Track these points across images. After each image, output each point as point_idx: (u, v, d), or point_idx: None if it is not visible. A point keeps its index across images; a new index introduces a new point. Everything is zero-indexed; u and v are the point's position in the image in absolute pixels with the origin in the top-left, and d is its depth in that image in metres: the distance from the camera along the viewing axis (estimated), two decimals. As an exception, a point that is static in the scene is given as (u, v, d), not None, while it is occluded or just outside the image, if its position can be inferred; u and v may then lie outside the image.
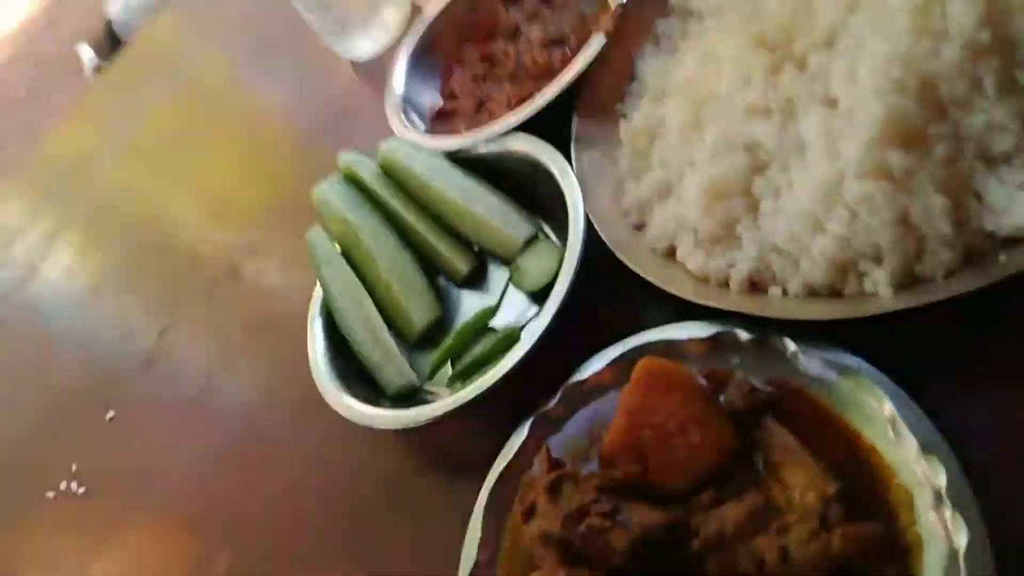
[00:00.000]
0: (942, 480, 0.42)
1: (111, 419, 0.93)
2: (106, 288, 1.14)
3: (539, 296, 0.67)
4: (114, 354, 1.02)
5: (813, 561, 0.42)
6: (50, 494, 0.90)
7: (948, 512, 0.41)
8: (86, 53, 2.96)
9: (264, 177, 1.09)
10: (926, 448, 0.43)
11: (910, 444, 0.44)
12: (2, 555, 0.90)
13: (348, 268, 0.73)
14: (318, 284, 0.74)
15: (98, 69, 2.95)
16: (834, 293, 0.51)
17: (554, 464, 0.53)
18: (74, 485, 0.90)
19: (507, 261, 0.70)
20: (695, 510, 0.48)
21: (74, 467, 0.91)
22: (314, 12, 0.98)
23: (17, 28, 4.08)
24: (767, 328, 0.52)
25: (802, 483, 0.45)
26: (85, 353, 1.07)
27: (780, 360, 0.51)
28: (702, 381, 0.51)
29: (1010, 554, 0.41)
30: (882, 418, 0.46)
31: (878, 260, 0.49)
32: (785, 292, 0.53)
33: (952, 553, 0.40)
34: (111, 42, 2.61)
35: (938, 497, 0.42)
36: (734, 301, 0.54)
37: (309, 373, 0.71)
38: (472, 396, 0.59)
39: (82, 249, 1.26)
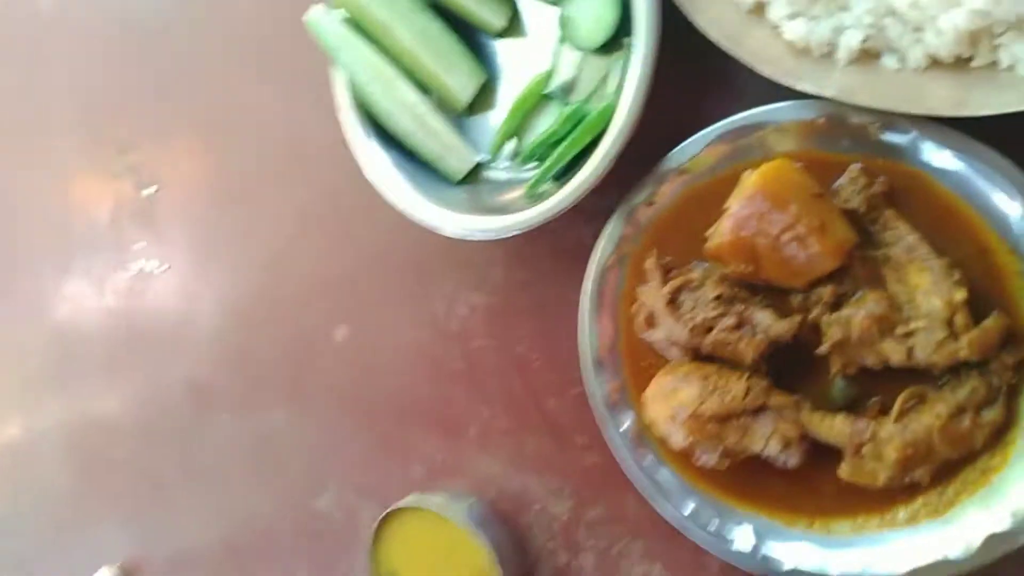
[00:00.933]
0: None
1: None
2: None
3: (598, 51, 0.60)
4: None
5: (939, 364, 0.47)
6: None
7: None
8: None
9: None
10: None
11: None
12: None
13: (367, 49, 0.63)
14: (336, 73, 0.65)
15: None
16: (959, 63, 0.47)
17: (668, 274, 0.55)
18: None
19: (552, 2, 0.61)
20: (816, 306, 0.51)
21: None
22: None
23: None
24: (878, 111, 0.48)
25: (927, 287, 0.47)
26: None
27: (896, 145, 0.49)
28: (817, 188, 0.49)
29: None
30: (1007, 215, 0.46)
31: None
32: (901, 63, 0.48)
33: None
34: None
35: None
36: (842, 80, 0.49)
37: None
38: (573, 198, 0.56)
39: None
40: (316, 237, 0.76)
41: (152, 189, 0.85)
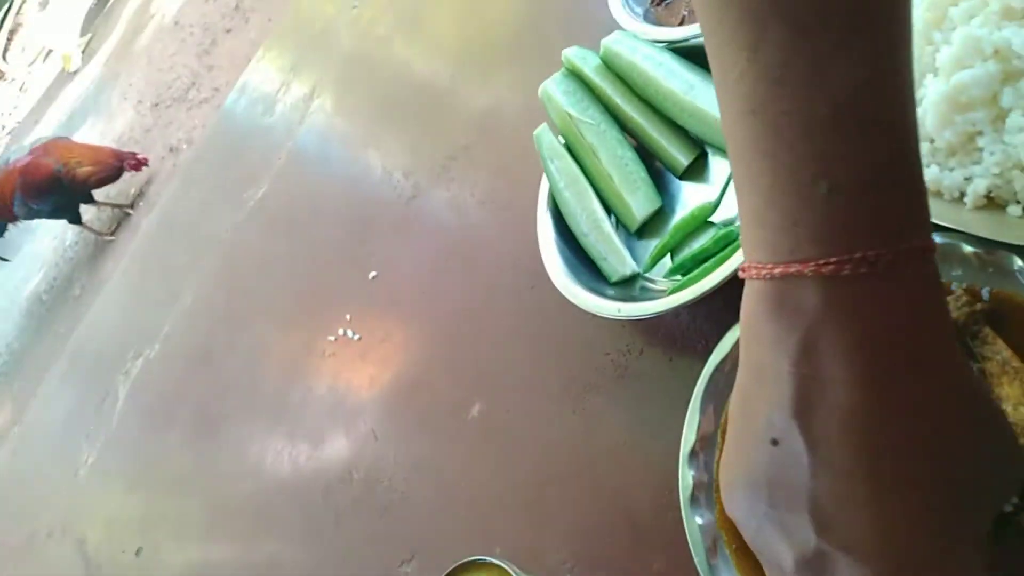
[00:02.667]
0: None
1: (373, 278, 1.09)
2: (357, 155, 1.28)
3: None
4: (369, 219, 1.17)
5: None
6: (331, 338, 1.09)
7: None
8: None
9: (492, 34, 1.14)
10: None
11: None
12: (298, 385, 1.12)
13: (572, 162, 0.78)
14: (544, 176, 0.81)
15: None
16: (1081, 217, 0.50)
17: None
18: (350, 332, 1.08)
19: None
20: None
21: (348, 316, 1.09)
22: None
23: None
24: (992, 243, 0.51)
25: (1017, 396, 0.47)
26: (345, 216, 1.23)
27: (1004, 274, 0.51)
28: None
29: None
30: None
31: None
32: (1025, 211, 0.52)
33: None
34: None
35: None
36: (969, 219, 0.53)
37: (537, 255, 0.79)
38: (694, 296, 0.64)
39: (335, 113, 1.40)
40: (484, 314, 0.89)
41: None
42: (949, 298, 0.53)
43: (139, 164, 3.36)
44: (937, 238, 0.55)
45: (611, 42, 0.77)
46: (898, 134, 0.31)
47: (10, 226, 3.74)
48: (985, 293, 0.52)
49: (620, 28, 0.80)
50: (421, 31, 1.29)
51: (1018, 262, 0.51)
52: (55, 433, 1.68)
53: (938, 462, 0.31)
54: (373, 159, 1.23)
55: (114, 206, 3.72)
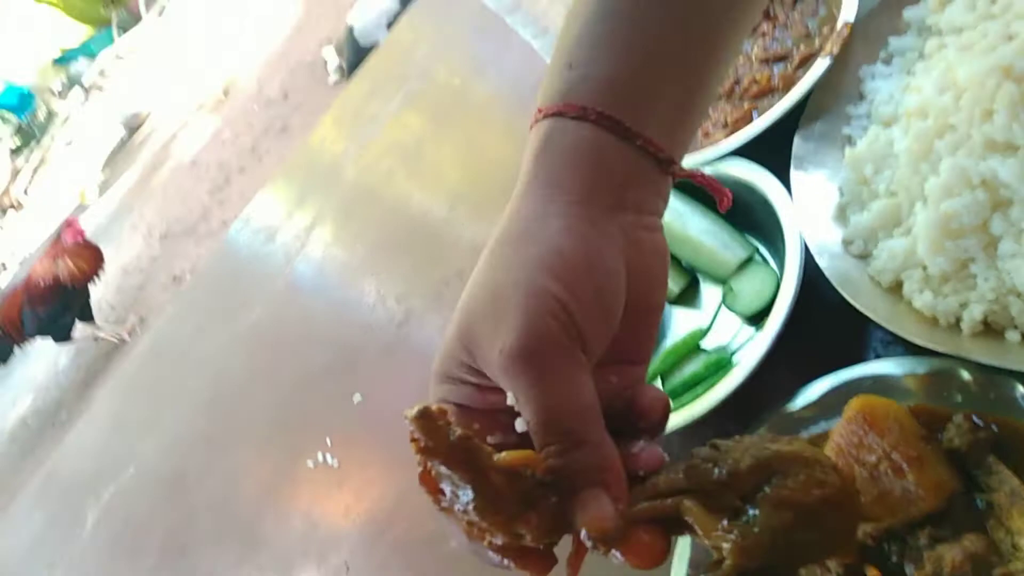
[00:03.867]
0: None
1: (358, 402, 1.06)
2: (353, 281, 1.29)
3: (752, 319, 0.69)
4: (359, 342, 1.16)
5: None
6: (310, 463, 1.05)
7: None
8: (330, 57, 3.28)
9: (488, 179, 1.18)
10: None
11: None
12: (271, 512, 1.06)
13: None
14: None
15: (340, 70, 3.25)
16: (1080, 342, 0.48)
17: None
18: (329, 457, 1.04)
19: (720, 281, 0.72)
20: (912, 550, 0.48)
21: (328, 441, 1.06)
22: (537, 39, 1.03)
23: (271, 35, 4.59)
24: (995, 369, 0.50)
25: None
26: (335, 339, 1.21)
27: (1007, 401, 0.49)
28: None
29: None
30: None
31: None
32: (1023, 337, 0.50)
33: None
34: (352, 46, 2.87)
35: None
36: (967, 347, 0.52)
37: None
38: (683, 424, 0.62)
39: (334, 241, 1.43)
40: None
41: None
42: (951, 426, 0.50)
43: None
44: (935, 363, 0.53)
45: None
46: (626, 48, 0.39)
47: (16, 349, 3.68)
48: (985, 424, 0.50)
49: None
50: (422, 167, 1.33)
51: (1020, 389, 0.49)
52: (16, 561, 1.58)
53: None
54: (368, 285, 1.23)
55: (110, 337, 3.72)
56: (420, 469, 0.35)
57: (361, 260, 1.32)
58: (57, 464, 1.77)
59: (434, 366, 0.40)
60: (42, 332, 3.59)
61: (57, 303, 3.36)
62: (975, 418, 0.50)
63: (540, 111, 0.40)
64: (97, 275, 3.43)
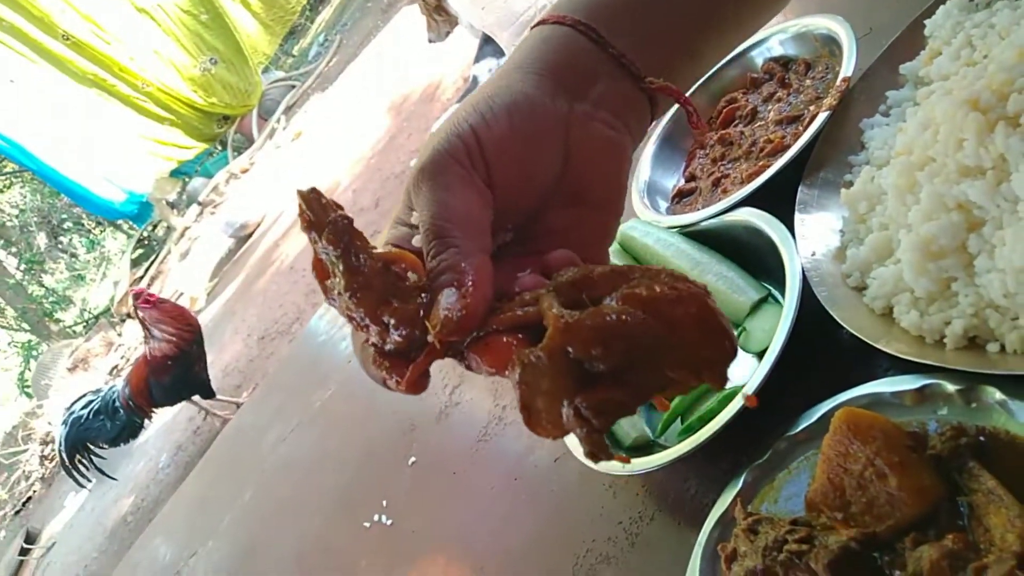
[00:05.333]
0: None
1: (412, 464, 1.11)
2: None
3: (763, 356, 0.71)
4: (416, 409, 1.21)
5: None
6: (366, 524, 1.10)
7: None
8: (416, 164, 3.52)
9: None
10: None
11: None
12: (333, 570, 1.11)
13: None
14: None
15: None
16: (1056, 348, 0.50)
17: (749, 511, 0.57)
18: (384, 517, 1.08)
19: (737, 324, 0.75)
20: (900, 556, 0.48)
21: (384, 503, 1.10)
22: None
23: (366, 150, 4.94)
24: (976, 379, 0.51)
25: (1002, 524, 0.44)
26: (395, 409, 1.28)
27: (988, 410, 0.50)
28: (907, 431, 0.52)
29: None
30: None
31: (1103, 313, 0.47)
32: (1003, 348, 0.52)
33: None
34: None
35: None
36: (951, 358, 0.54)
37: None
38: (687, 450, 0.64)
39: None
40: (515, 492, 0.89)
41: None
42: (934, 434, 0.52)
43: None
44: (922, 379, 0.55)
45: (627, 227, 0.85)
46: None
47: (147, 422, 3.89)
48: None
49: (637, 217, 0.88)
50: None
51: (997, 394, 0.50)
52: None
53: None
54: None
55: (217, 413, 3.91)
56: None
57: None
58: (143, 548, 1.87)
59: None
60: (169, 398, 3.76)
61: (176, 368, 3.55)
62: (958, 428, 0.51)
63: (532, 26, 0.45)
64: (192, 328, 3.59)
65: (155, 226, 8.13)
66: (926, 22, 0.73)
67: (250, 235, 6.06)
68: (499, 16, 1.21)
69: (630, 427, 0.75)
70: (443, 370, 1.21)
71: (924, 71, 0.71)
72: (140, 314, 3.57)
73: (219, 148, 7.61)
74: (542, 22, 0.45)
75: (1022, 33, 0.59)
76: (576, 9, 0.44)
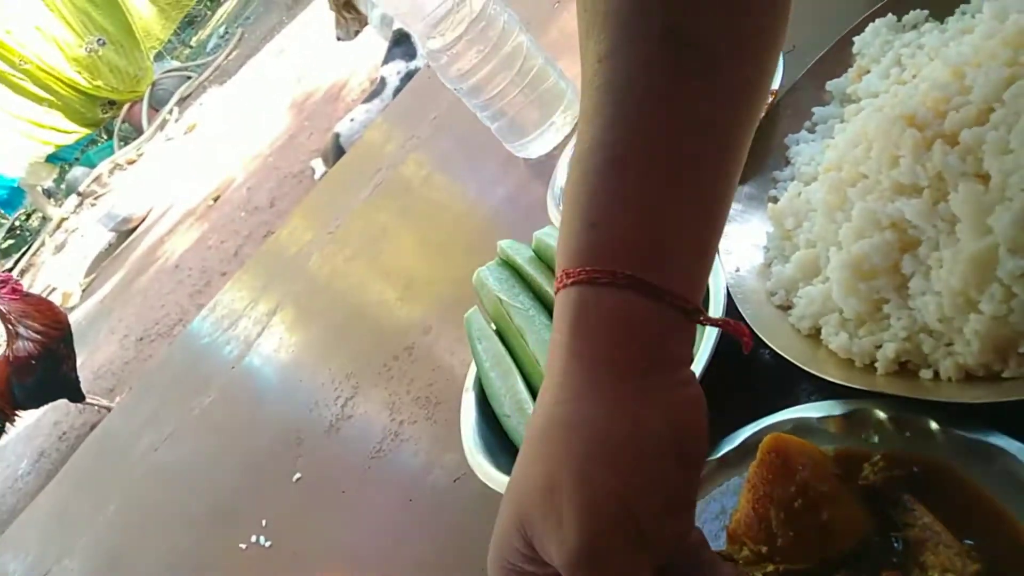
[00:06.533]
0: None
1: (297, 480, 1.02)
2: (306, 360, 1.27)
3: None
4: (305, 420, 1.12)
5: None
6: (242, 545, 1.00)
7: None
8: (317, 166, 3.39)
9: (441, 263, 1.19)
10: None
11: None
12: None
13: (500, 345, 0.77)
14: (473, 361, 0.79)
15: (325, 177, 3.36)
16: (991, 375, 0.47)
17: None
18: (262, 539, 0.99)
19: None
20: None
21: (264, 522, 1.01)
22: (495, 123, 1.07)
23: (264, 148, 4.75)
24: (910, 407, 0.49)
25: (942, 564, 0.42)
26: (281, 419, 1.18)
27: (923, 439, 0.48)
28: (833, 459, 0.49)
29: None
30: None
31: (1040, 340, 0.45)
32: (937, 375, 0.50)
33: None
34: (337, 152, 2.96)
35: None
36: (881, 383, 0.51)
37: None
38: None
39: (291, 327, 1.41)
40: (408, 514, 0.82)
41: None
42: (866, 464, 0.49)
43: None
44: (850, 404, 0.52)
45: (543, 234, 0.80)
46: (645, 199, 0.40)
47: (8, 426, 3.57)
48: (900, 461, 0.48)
49: (552, 224, 0.83)
50: (382, 253, 1.34)
51: (934, 425, 0.47)
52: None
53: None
54: (319, 366, 1.21)
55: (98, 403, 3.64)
56: None
57: (315, 343, 1.31)
58: (-8, 563, 1.68)
59: (490, 555, 0.41)
60: (33, 400, 3.47)
61: (41, 369, 3.27)
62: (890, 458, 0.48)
63: (567, 274, 0.41)
64: (60, 325, 3.32)
65: (29, 215, 7.56)
66: (855, 39, 0.71)
67: (133, 230, 5.72)
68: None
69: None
70: (335, 379, 1.13)
71: (852, 88, 0.69)
72: (2, 307, 3.28)
73: (104, 137, 7.14)
74: (588, 280, 0.40)
75: (952, 52, 0.58)
76: (617, 254, 0.40)
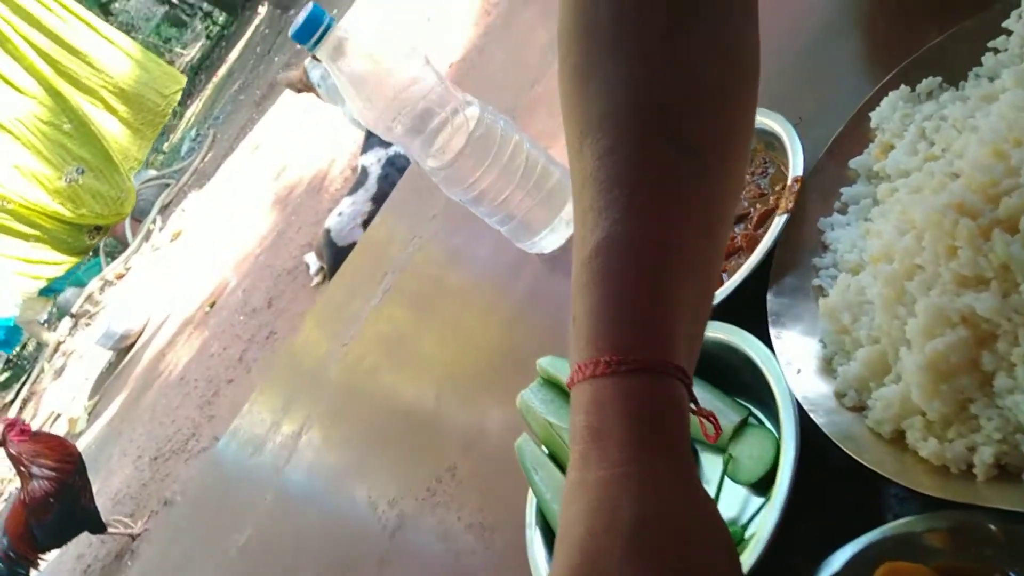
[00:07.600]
0: None
1: (354, 624, 0.98)
2: (343, 487, 1.23)
3: (757, 486, 0.65)
4: (352, 553, 1.08)
5: None
6: None
7: None
8: (311, 261, 3.39)
9: (471, 371, 1.16)
10: None
11: None
12: None
13: (557, 471, 0.74)
14: (531, 490, 0.76)
15: (321, 272, 3.35)
16: (1107, 477, 0.45)
17: None
18: None
19: (719, 449, 0.69)
20: None
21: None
22: (504, 226, 1.06)
23: (253, 248, 4.76)
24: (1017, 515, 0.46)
25: None
26: (327, 555, 1.14)
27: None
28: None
29: None
30: None
31: None
32: (1044, 478, 0.47)
33: None
34: (330, 248, 2.96)
35: None
36: (984, 494, 0.48)
37: (529, 577, 0.71)
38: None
39: (320, 449, 1.38)
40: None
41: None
42: None
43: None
44: (956, 515, 0.49)
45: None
46: (625, 287, 0.44)
47: (33, 572, 3.48)
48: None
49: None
50: (405, 358, 1.31)
51: (1053, 536, 0.45)
52: None
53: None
54: (358, 491, 1.17)
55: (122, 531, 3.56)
56: None
57: (350, 464, 1.27)
58: None
59: None
60: (55, 539, 3.39)
61: (59, 505, 3.21)
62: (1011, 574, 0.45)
63: (580, 368, 0.43)
64: (72, 457, 3.27)
65: (24, 345, 7.52)
66: (871, 114, 0.71)
67: (132, 345, 5.68)
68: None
69: None
70: (377, 507, 1.10)
71: (879, 166, 0.68)
72: (13, 450, 3.24)
73: (90, 256, 7.15)
74: (604, 372, 0.43)
75: (985, 128, 0.57)
76: (634, 340, 0.44)
